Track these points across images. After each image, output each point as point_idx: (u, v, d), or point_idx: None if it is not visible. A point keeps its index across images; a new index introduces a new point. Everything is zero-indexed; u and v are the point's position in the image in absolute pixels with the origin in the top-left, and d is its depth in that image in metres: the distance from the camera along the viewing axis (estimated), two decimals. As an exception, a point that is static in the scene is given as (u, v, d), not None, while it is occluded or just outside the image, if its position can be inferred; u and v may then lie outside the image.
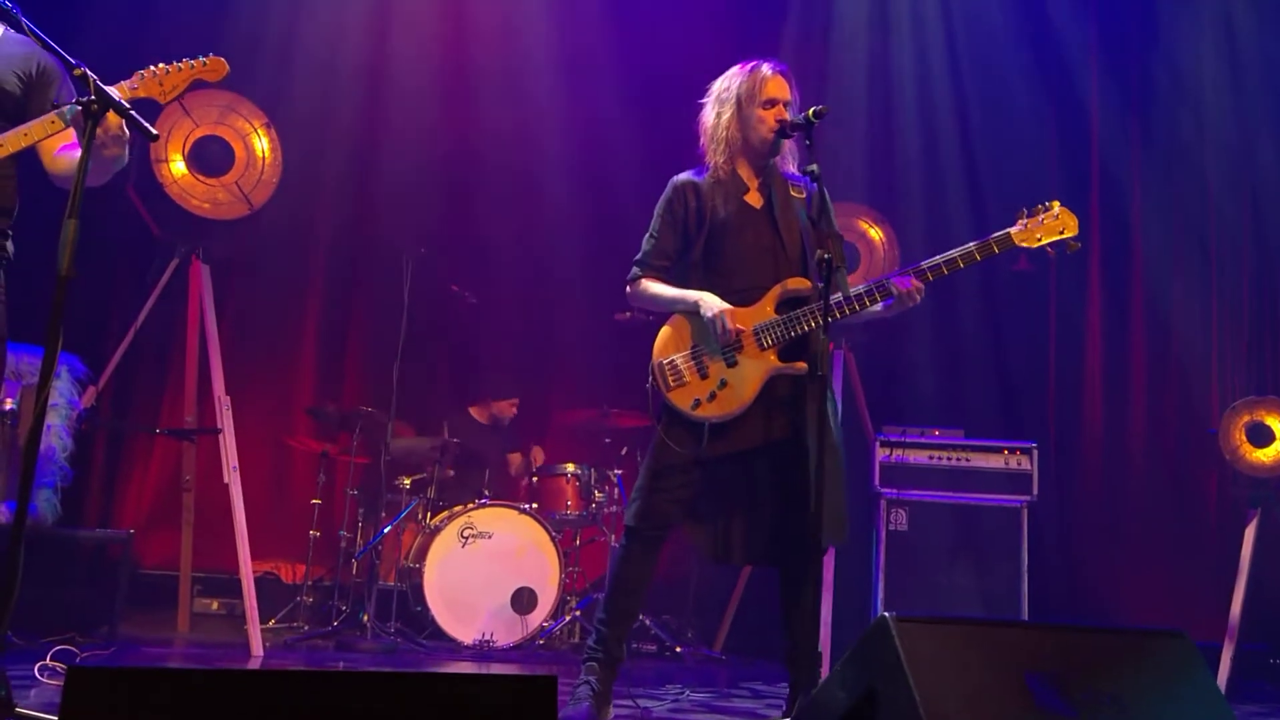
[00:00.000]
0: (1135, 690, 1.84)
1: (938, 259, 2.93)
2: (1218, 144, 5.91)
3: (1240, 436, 4.85)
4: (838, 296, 2.85)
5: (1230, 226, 5.90)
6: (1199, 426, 5.53)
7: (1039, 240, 2.95)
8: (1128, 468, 5.89)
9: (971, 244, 2.94)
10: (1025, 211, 2.98)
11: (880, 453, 5.00)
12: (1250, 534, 4.83)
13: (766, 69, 3.05)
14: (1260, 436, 4.83)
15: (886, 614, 1.81)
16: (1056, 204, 2.97)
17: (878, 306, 2.95)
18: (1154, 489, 5.82)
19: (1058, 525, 5.59)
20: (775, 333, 2.92)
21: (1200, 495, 5.76)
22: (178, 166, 4.49)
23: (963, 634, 1.85)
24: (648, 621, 5.11)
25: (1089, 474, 5.91)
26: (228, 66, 2.70)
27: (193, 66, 2.66)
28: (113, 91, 2.37)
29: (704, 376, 2.94)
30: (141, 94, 2.59)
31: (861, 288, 2.91)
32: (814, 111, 2.81)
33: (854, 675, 1.87)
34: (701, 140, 3.12)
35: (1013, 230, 2.96)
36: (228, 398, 4.41)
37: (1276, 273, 5.83)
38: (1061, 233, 2.95)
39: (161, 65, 2.63)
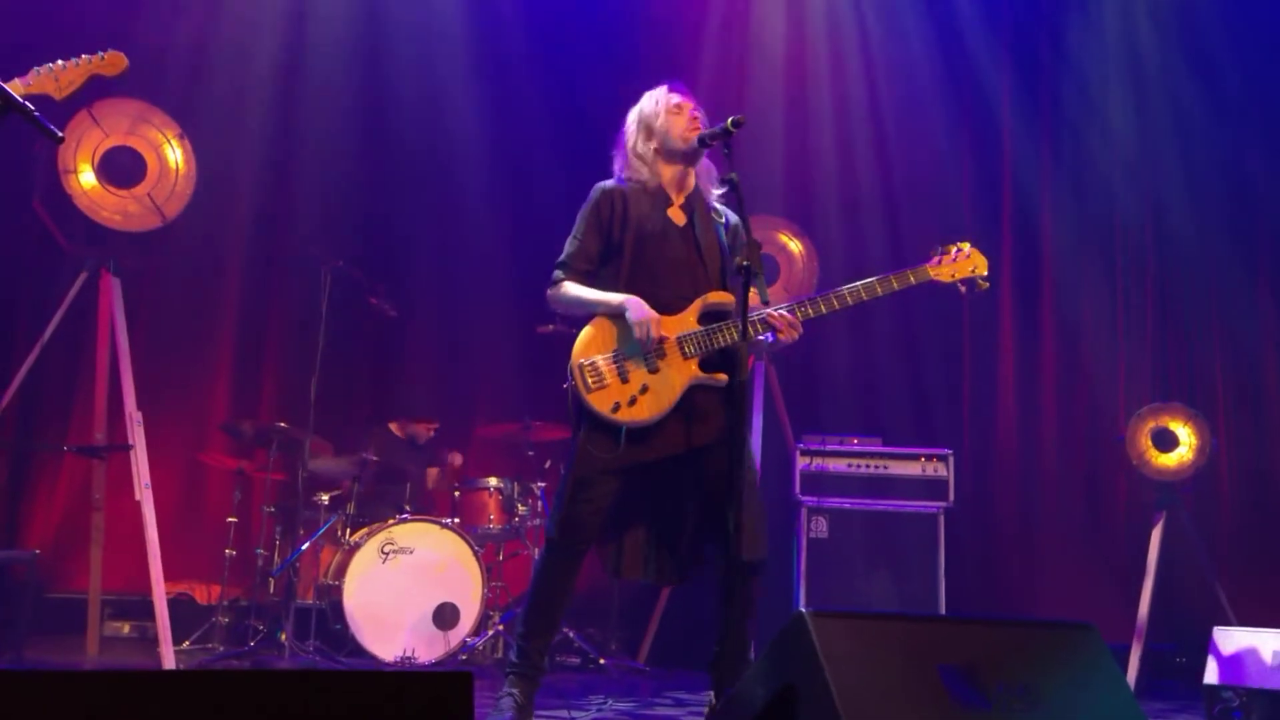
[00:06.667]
0: (1046, 680, 1.89)
1: (857, 285, 3.04)
2: (1122, 161, 6.14)
3: (1146, 442, 5.00)
4: (762, 312, 2.89)
5: (1135, 240, 6.12)
6: (1107, 433, 5.71)
7: (952, 276, 3.14)
8: (1040, 474, 6.04)
9: (890, 275, 3.08)
10: (939, 249, 3.17)
11: (800, 461, 5.06)
12: (1156, 536, 4.97)
13: (663, 88, 3.16)
14: (1165, 442, 4.98)
15: (803, 610, 1.83)
16: (967, 244, 3.17)
17: (766, 337, 2.99)
18: (1065, 494, 5.98)
19: (973, 530, 5.71)
20: (697, 342, 2.95)
21: (1110, 500, 5.93)
22: (87, 178, 4.35)
23: (878, 628, 1.88)
24: (571, 634, 5.07)
25: (1003, 480, 6.06)
26: (126, 60, 2.62)
27: (90, 61, 2.56)
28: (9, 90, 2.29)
29: (625, 380, 2.95)
30: (35, 90, 2.49)
31: (755, 315, 2.91)
32: (733, 121, 2.88)
33: (772, 671, 1.88)
34: (617, 163, 3.16)
35: (928, 266, 3.13)
36: (139, 414, 4.29)
37: (1179, 285, 6.05)
38: (973, 271, 3.15)
39: (58, 62, 2.54)
